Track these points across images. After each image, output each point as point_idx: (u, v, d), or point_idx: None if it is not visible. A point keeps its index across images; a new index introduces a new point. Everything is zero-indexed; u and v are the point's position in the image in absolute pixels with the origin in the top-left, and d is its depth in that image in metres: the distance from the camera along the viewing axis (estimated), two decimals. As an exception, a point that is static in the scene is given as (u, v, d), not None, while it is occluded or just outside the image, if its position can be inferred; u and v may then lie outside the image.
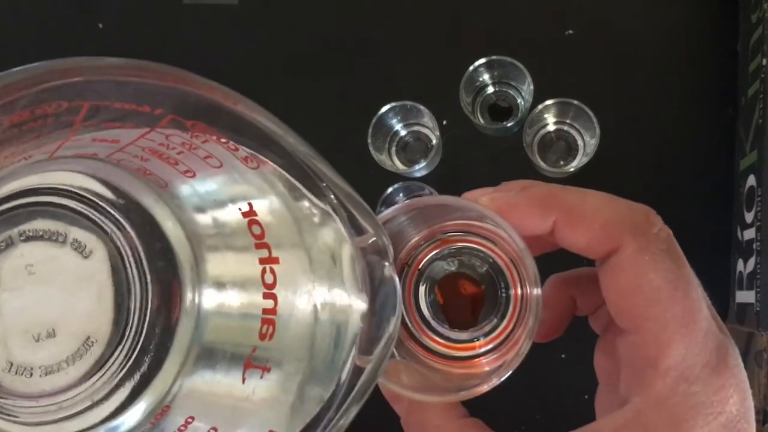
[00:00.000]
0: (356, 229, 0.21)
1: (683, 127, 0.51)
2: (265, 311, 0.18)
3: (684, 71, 0.51)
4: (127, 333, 0.15)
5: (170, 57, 0.55)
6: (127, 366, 0.15)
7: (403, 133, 0.52)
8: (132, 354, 0.15)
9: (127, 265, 0.15)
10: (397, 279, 0.22)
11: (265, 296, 0.18)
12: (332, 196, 0.20)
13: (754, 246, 0.43)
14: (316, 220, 0.20)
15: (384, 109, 0.49)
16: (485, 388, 0.26)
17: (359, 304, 0.20)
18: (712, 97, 0.50)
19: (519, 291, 0.30)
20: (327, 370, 0.19)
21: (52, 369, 0.15)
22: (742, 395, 0.25)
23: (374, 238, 0.21)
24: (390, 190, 0.49)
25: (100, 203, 0.15)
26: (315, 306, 0.19)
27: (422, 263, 0.30)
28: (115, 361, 0.15)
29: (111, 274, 0.15)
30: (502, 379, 0.26)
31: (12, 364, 0.15)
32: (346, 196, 0.21)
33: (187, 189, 0.18)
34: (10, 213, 0.15)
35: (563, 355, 0.50)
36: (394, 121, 0.51)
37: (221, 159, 0.19)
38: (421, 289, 0.29)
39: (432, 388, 0.28)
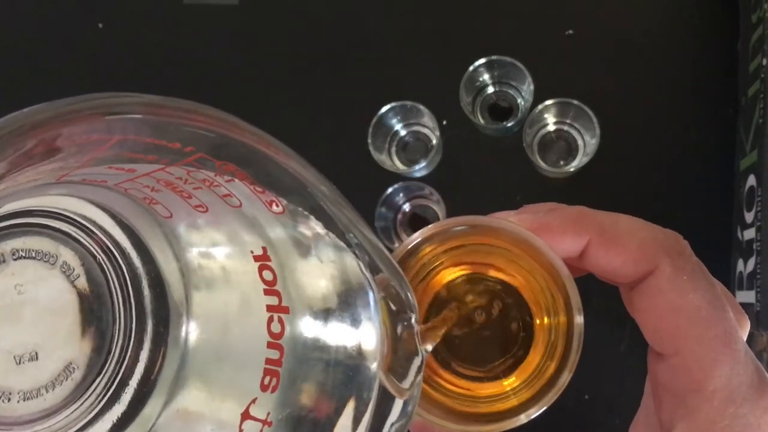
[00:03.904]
0: (380, 282, 0.20)
1: (683, 127, 0.51)
2: (268, 361, 0.17)
3: (684, 71, 0.51)
4: (108, 362, 0.14)
5: (170, 57, 0.55)
6: (107, 397, 0.14)
7: (403, 133, 0.52)
8: (112, 385, 0.14)
9: (113, 293, 0.15)
10: (419, 336, 0.21)
11: (270, 345, 0.17)
12: (358, 248, 0.20)
13: (754, 246, 0.43)
14: (338, 270, 0.19)
15: (384, 109, 0.49)
16: (524, 418, 0.25)
17: (378, 355, 0.19)
18: (712, 97, 0.50)
19: (545, 320, 0.28)
20: (344, 424, 0.19)
21: (31, 395, 0.14)
22: None
23: (398, 292, 0.21)
24: (390, 190, 0.49)
25: (92, 228, 0.15)
26: (329, 360, 0.18)
27: (435, 296, 0.29)
28: (94, 390, 0.14)
29: (96, 300, 0.15)
30: (541, 411, 0.25)
31: None
32: (372, 247, 0.21)
33: (193, 223, 0.17)
34: (3, 231, 0.15)
35: (563, 355, 0.50)
36: (394, 121, 0.51)
37: (242, 199, 0.18)
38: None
39: (462, 420, 0.27)
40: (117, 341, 0.14)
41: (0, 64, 0.56)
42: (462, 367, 0.29)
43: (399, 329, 0.21)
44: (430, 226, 0.26)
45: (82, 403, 0.14)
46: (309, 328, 0.18)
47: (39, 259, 0.15)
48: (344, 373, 0.19)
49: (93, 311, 0.15)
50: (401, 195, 0.51)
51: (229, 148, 0.20)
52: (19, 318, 0.15)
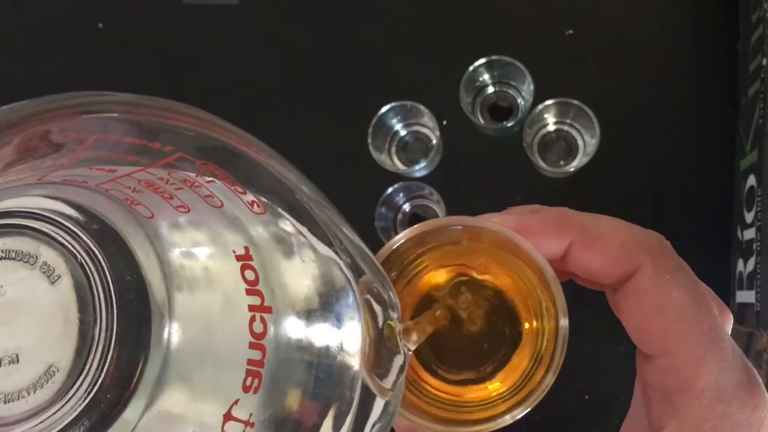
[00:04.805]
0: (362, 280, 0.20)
1: (683, 127, 0.51)
2: (250, 362, 0.17)
3: (684, 71, 0.51)
4: (89, 363, 0.14)
5: (170, 57, 0.55)
6: (88, 399, 0.14)
7: (403, 133, 0.52)
8: (93, 387, 0.14)
9: (95, 294, 0.14)
10: (401, 336, 0.21)
11: (252, 346, 0.17)
12: (340, 247, 0.20)
13: (754, 246, 0.43)
14: (320, 270, 0.19)
15: (384, 109, 0.49)
16: (509, 419, 0.25)
17: (360, 355, 0.19)
18: (712, 97, 0.50)
19: (533, 325, 0.28)
20: (327, 424, 0.19)
21: (12, 397, 0.14)
22: None
23: (380, 291, 0.21)
24: (390, 190, 0.49)
25: (73, 228, 0.15)
26: (311, 360, 0.18)
27: (420, 298, 0.29)
28: (76, 392, 0.14)
29: (77, 301, 0.14)
30: (525, 412, 0.25)
31: None
32: (354, 247, 0.21)
33: (175, 223, 0.17)
34: None
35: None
36: (394, 121, 0.51)
37: (223, 199, 0.18)
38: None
39: (449, 423, 0.26)
40: (98, 343, 0.14)
41: (0, 64, 0.56)
42: (448, 372, 0.29)
43: (381, 329, 0.21)
44: (414, 226, 0.26)
45: (64, 405, 0.14)
46: (291, 328, 0.18)
47: (19, 260, 0.15)
48: (327, 373, 0.19)
49: (74, 313, 0.14)
50: (401, 195, 0.51)
51: (209, 147, 0.19)
52: (2, 317, 0.15)
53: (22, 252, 0.15)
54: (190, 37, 0.54)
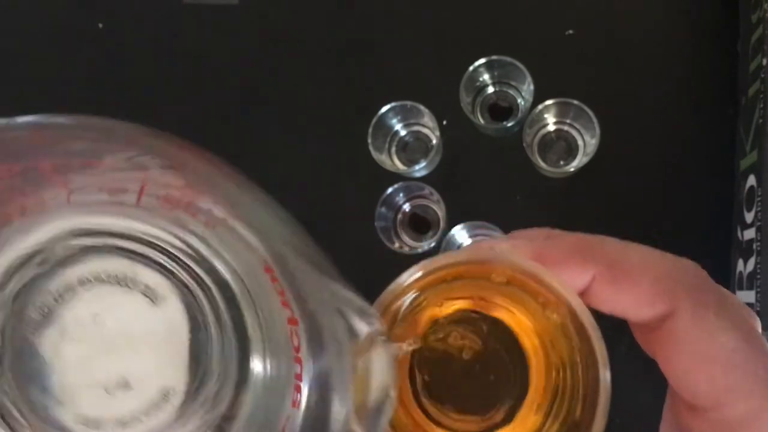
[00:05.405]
0: (359, 314, 0.19)
1: (683, 127, 0.51)
2: (296, 376, 0.16)
3: (684, 71, 0.51)
4: (205, 386, 0.14)
5: (170, 57, 0.55)
6: (204, 420, 0.14)
7: (403, 133, 0.52)
8: (211, 408, 0.14)
9: (206, 315, 0.14)
10: (392, 364, 0.20)
11: (295, 360, 0.16)
12: (326, 299, 0.19)
13: (754, 246, 0.43)
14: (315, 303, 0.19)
15: (384, 109, 0.49)
16: None
17: (348, 405, 0.18)
18: (712, 97, 0.50)
19: (552, 374, 0.25)
20: None
21: (127, 420, 0.14)
22: None
23: (376, 343, 0.19)
24: (390, 190, 0.49)
25: (167, 248, 0.15)
26: (320, 376, 0.18)
27: (425, 342, 0.25)
28: (195, 412, 0.14)
29: (187, 323, 0.14)
30: None
31: (83, 417, 0.14)
32: (339, 297, 0.20)
33: (218, 240, 0.17)
34: (69, 255, 0.14)
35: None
36: (394, 121, 0.51)
37: (227, 219, 0.18)
38: (417, 372, 0.25)
39: None
40: (212, 366, 0.14)
41: (0, 64, 0.56)
42: (455, 420, 0.26)
43: (372, 387, 0.20)
44: (422, 263, 0.22)
45: (181, 428, 0.14)
46: (314, 342, 0.18)
47: (114, 284, 0.14)
48: (319, 402, 0.18)
49: (185, 333, 0.14)
50: (401, 195, 0.51)
51: (186, 172, 0.19)
52: (100, 348, 0.14)
53: (116, 276, 0.14)
54: (190, 37, 0.54)
